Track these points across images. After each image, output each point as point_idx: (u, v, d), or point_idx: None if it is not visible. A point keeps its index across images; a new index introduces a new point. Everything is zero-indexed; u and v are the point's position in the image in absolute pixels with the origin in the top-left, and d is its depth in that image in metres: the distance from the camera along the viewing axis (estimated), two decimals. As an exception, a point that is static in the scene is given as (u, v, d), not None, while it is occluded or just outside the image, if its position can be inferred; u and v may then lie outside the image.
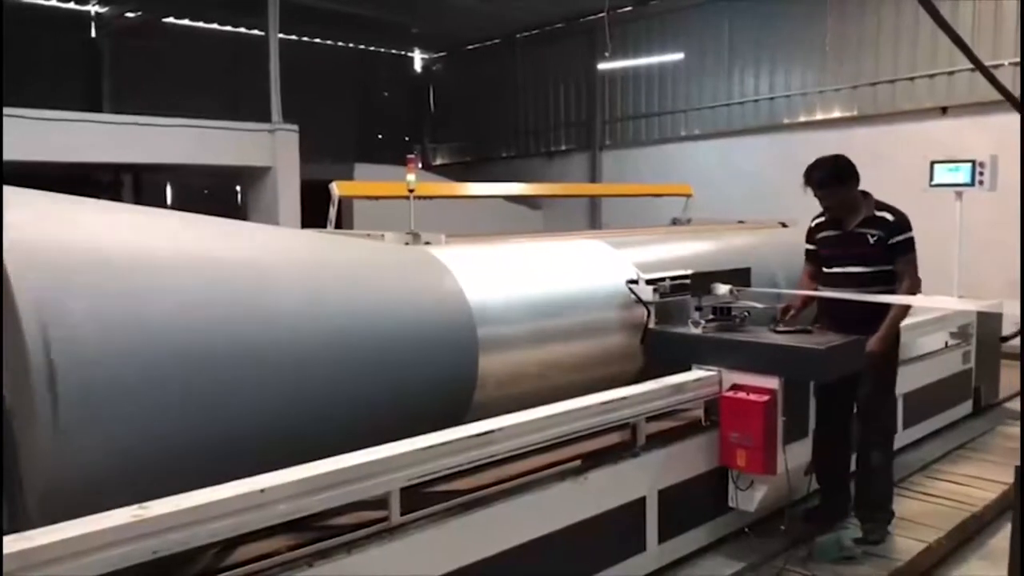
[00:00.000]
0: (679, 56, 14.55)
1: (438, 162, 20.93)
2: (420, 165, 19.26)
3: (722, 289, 4.69)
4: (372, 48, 20.01)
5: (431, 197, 7.26)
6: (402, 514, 3.11)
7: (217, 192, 16.96)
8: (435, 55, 20.87)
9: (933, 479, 5.66)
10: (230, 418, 3.12)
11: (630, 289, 4.74)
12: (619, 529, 3.89)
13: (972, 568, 4.62)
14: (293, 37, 16.80)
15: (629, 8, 15.67)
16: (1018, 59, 11.20)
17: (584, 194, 16.63)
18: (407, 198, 6.20)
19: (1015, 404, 7.34)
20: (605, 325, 4.66)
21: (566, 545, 3.61)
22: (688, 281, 4.77)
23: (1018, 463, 3.24)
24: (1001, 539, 4.82)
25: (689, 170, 13.64)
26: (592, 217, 16.87)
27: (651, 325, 4.74)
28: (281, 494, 2.74)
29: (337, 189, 6.60)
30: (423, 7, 15.95)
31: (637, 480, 3.98)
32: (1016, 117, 3.03)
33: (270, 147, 12.22)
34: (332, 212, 6.63)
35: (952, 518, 4.92)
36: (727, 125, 14.92)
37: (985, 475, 5.64)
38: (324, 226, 6.64)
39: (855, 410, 4.77)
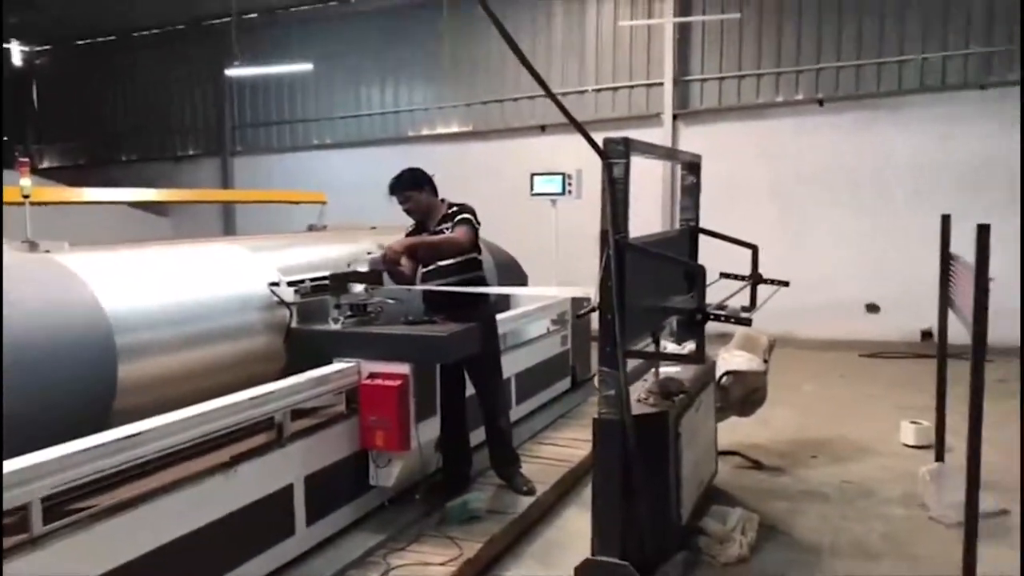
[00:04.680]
0: (308, 66, 14.77)
1: (45, 165, 18.88)
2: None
3: (358, 288, 5.16)
4: (-43, 35, 17.49)
5: (52, 203, 6.71)
6: (45, 524, 3.08)
7: None
8: (38, 48, 18.81)
9: (541, 444, 6.62)
10: None
11: (272, 291, 4.98)
12: (269, 516, 4.11)
13: (571, 513, 5.56)
14: None
15: (255, 15, 15.59)
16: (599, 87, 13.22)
17: (220, 200, 16.14)
18: (21, 204, 5.75)
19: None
20: (248, 327, 4.82)
21: (218, 537, 3.76)
22: (327, 282, 5.14)
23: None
24: (592, 487, 5.86)
25: (323, 178, 13.93)
26: (226, 224, 16.45)
27: (294, 324, 5.03)
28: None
29: (-69, 195, 5.89)
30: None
31: (284, 469, 4.23)
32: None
33: None
34: (-76, 220, 5.90)
35: (555, 474, 5.84)
36: (357, 136, 15.49)
37: (580, 437, 6.69)
38: None
39: (478, 392, 5.50)
